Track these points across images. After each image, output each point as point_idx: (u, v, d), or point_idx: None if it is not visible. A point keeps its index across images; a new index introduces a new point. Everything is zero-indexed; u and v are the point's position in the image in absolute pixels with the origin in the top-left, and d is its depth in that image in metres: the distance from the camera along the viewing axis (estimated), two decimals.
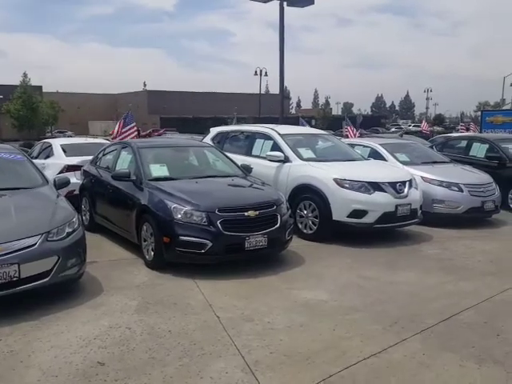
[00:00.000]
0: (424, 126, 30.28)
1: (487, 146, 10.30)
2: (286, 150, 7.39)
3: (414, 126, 65.93)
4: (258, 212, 5.22)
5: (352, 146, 9.27)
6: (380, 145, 9.20)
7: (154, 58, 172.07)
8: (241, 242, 5.08)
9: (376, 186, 6.66)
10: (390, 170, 7.56)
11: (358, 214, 6.54)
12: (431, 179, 8.06)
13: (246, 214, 5.14)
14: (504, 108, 41.73)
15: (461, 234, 7.33)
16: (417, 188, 7.15)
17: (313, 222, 6.78)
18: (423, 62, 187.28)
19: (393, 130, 61.10)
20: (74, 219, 4.50)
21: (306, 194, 6.88)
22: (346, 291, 4.70)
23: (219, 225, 5.03)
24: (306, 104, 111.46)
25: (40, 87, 56.86)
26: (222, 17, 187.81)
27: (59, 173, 8.85)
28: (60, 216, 4.43)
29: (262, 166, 7.48)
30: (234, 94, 72.04)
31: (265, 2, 21.48)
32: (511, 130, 18.39)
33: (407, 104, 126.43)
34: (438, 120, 73.38)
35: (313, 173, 6.89)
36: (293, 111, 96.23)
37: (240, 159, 7.65)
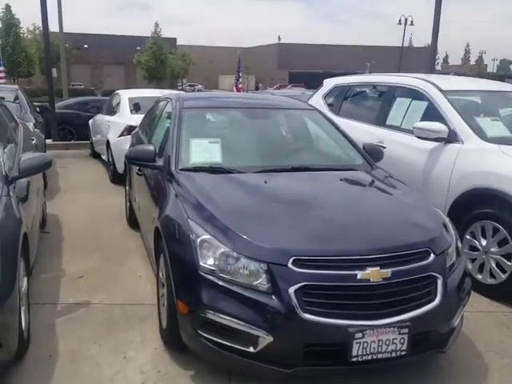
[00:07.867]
0: None
1: None
2: (452, 119, 4.01)
3: None
4: (389, 270, 2.18)
5: None
6: None
7: (291, 12, 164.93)
8: (343, 342, 2.11)
9: None
10: None
11: None
12: None
13: (360, 273, 2.13)
14: None
15: None
16: None
17: (499, 265, 3.50)
18: None
19: None
20: None
21: (488, 207, 3.56)
22: None
23: (293, 296, 2.12)
24: (455, 60, 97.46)
25: (174, 39, 57.94)
26: None
27: (120, 135, 6.74)
28: None
29: (402, 147, 4.31)
30: (368, 46, 64.87)
31: None
32: None
33: None
34: None
35: (506, 167, 3.52)
36: (438, 67, 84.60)
37: (366, 131, 4.60)
